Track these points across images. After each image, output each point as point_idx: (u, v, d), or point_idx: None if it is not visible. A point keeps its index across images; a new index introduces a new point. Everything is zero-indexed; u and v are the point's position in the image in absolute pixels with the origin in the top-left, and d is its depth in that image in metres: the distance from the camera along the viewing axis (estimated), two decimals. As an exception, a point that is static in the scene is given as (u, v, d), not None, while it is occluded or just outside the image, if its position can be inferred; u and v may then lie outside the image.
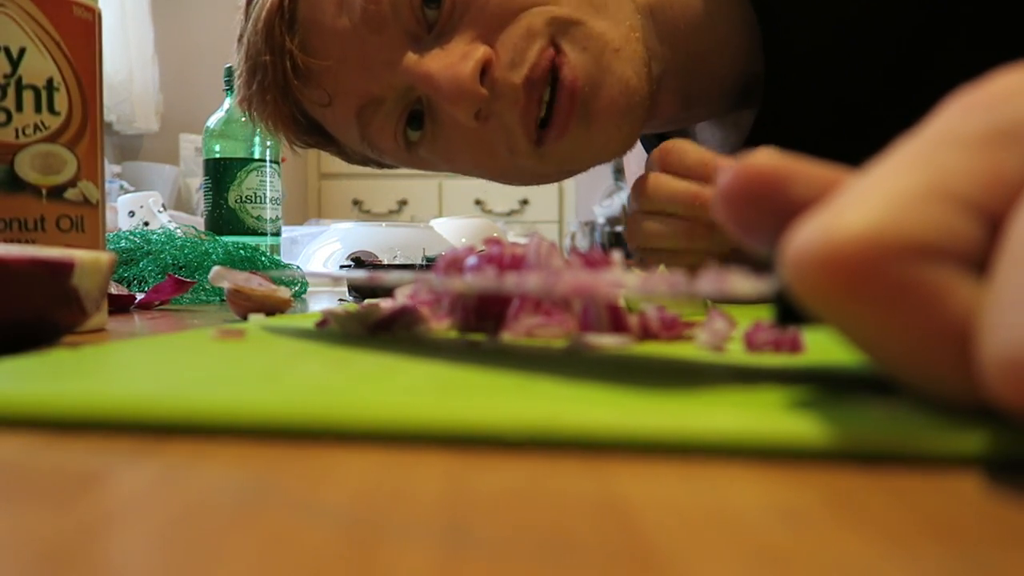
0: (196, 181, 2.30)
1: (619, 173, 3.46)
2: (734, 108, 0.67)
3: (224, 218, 0.95)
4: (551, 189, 3.55)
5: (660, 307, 0.32)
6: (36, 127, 0.41)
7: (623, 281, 0.20)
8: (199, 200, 1.86)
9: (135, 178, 2.39)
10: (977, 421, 0.15)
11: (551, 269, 0.29)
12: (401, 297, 0.35)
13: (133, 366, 0.25)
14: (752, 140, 0.65)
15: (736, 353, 0.27)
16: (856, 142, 0.54)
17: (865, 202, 0.15)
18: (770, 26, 0.60)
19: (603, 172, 3.54)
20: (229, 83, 0.97)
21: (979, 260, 0.15)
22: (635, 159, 0.84)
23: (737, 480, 0.14)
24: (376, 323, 0.33)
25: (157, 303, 0.63)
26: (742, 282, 0.18)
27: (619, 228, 3.30)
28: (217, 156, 0.96)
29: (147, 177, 2.45)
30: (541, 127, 0.58)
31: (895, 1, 0.57)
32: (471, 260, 0.31)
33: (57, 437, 0.17)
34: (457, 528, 0.12)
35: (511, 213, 3.51)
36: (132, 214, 1.16)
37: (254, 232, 0.96)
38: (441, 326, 0.33)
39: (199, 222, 1.09)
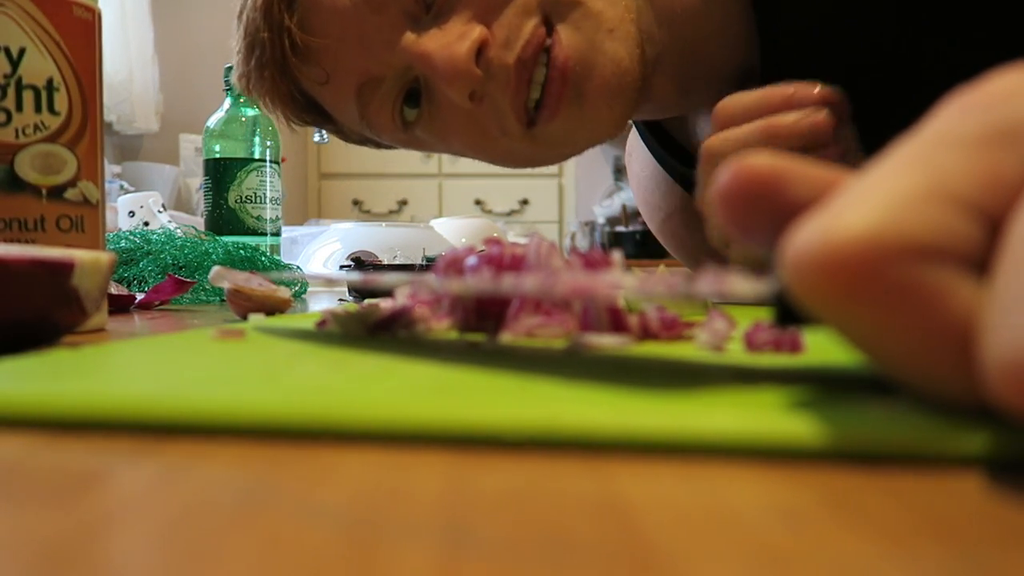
0: (196, 181, 2.30)
1: (619, 173, 3.46)
2: None
3: (224, 218, 0.95)
4: (551, 189, 3.55)
5: (660, 307, 0.32)
6: (36, 127, 0.41)
7: (622, 282, 0.20)
8: (199, 200, 1.86)
9: (135, 178, 2.39)
10: (977, 421, 0.15)
11: (551, 270, 0.29)
12: (401, 297, 0.35)
13: (133, 366, 0.25)
14: None
15: (736, 353, 0.27)
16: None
17: (864, 203, 0.15)
18: (765, 16, 0.60)
19: (603, 172, 3.54)
20: (229, 83, 0.97)
21: (978, 261, 0.15)
22: (636, 160, 0.84)
23: (737, 480, 0.14)
24: (376, 323, 0.33)
25: (157, 303, 0.63)
26: (741, 283, 0.18)
27: (619, 228, 3.30)
28: (217, 156, 0.96)
29: (147, 177, 2.45)
30: (535, 109, 0.58)
31: None
32: (471, 260, 0.31)
33: (57, 437, 0.17)
34: (457, 528, 0.12)
35: (511, 213, 3.51)
36: (132, 214, 1.16)
37: (254, 232, 0.96)
38: (441, 326, 0.33)
39: (199, 222, 1.09)
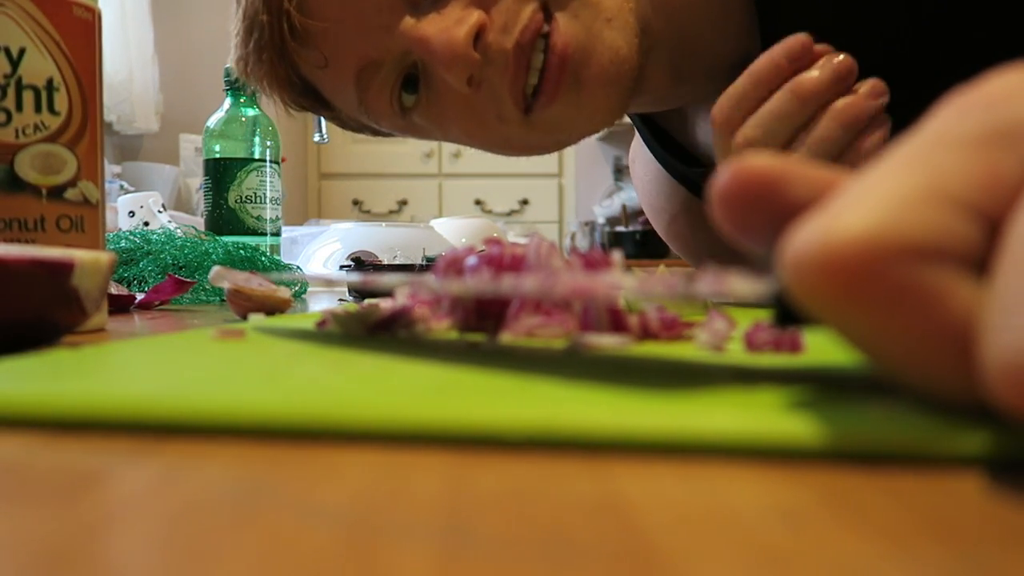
0: (196, 181, 2.30)
1: (619, 173, 3.47)
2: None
3: (224, 218, 0.95)
4: (551, 189, 3.55)
5: (660, 307, 0.32)
6: (36, 127, 0.41)
7: (622, 282, 0.20)
8: (199, 200, 1.86)
9: (135, 178, 2.39)
10: (977, 421, 0.15)
11: (551, 270, 0.29)
12: (401, 297, 0.35)
13: (133, 366, 0.25)
14: None
15: (736, 353, 0.27)
16: None
17: (863, 204, 0.15)
18: (765, 6, 0.60)
19: (603, 172, 3.54)
20: (229, 83, 0.97)
21: (978, 261, 0.15)
22: (640, 164, 0.84)
23: (736, 480, 0.14)
24: (376, 323, 0.33)
25: (157, 303, 0.63)
26: (741, 283, 0.18)
27: (619, 228, 3.30)
28: (217, 156, 0.96)
29: (147, 177, 2.45)
30: (533, 95, 0.58)
31: None
32: (471, 260, 0.31)
33: (57, 437, 0.17)
34: (457, 528, 0.12)
35: (511, 213, 3.51)
36: (132, 214, 1.16)
37: (254, 232, 0.96)
38: (441, 326, 0.33)
39: (199, 222, 1.09)
